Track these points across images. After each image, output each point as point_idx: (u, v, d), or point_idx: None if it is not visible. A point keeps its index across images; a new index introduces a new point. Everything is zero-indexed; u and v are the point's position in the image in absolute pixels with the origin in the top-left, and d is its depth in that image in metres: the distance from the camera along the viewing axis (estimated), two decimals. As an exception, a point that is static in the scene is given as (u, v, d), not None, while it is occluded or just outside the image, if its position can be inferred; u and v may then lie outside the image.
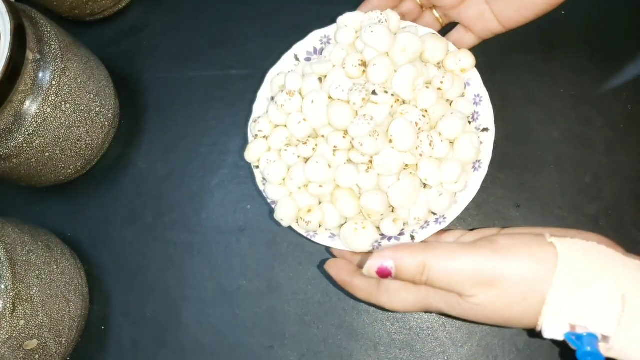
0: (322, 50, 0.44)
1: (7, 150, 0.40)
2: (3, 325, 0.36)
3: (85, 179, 0.49)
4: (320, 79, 0.40)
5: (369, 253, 0.38)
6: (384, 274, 0.34)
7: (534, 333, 0.33)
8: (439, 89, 0.40)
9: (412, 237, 0.39)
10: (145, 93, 0.51)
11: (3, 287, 0.36)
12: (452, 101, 0.41)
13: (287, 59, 0.44)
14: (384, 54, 0.39)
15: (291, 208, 0.39)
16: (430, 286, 0.34)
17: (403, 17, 0.43)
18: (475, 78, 0.41)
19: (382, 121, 0.38)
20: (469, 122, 0.41)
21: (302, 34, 0.44)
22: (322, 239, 0.40)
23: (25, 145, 0.41)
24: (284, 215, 0.39)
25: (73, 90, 0.43)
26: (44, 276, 0.40)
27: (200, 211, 0.47)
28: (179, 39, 0.52)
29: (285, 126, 0.40)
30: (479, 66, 0.41)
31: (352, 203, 0.39)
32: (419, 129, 0.38)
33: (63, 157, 0.44)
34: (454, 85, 0.40)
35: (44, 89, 0.40)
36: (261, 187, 0.42)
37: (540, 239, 0.33)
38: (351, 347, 0.42)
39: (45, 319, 0.39)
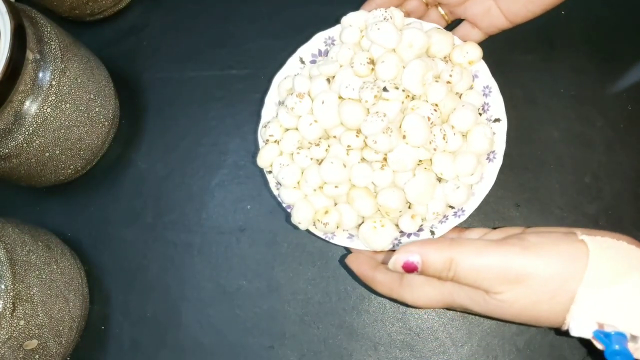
0: (327, 51, 0.44)
1: (7, 150, 0.40)
2: (3, 325, 0.36)
3: (85, 179, 0.49)
4: (328, 80, 0.40)
5: (391, 252, 0.38)
6: (409, 268, 0.33)
7: (559, 331, 0.32)
8: (448, 82, 0.40)
9: (432, 232, 0.39)
10: (145, 93, 0.51)
11: (3, 287, 0.36)
12: (461, 94, 0.41)
13: (292, 62, 0.44)
14: (391, 51, 0.39)
15: (307, 211, 0.39)
16: (456, 282, 0.34)
17: (408, 15, 0.43)
18: (483, 70, 0.41)
19: (394, 117, 0.38)
20: (480, 114, 0.41)
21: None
22: (340, 240, 0.40)
23: (25, 145, 0.41)
24: (301, 219, 0.39)
25: (73, 90, 0.43)
26: (44, 276, 0.40)
27: (200, 211, 0.47)
28: (179, 39, 0.52)
29: (296, 129, 0.40)
30: (479, 65, 0.41)
31: (369, 202, 0.39)
32: (432, 123, 0.38)
33: (63, 157, 0.44)
34: (463, 77, 0.40)
35: (44, 89, 0.40)
36: (275, 192, 0.41)
37: (570, 236, 0.32)
38: (351, 347, 0.42)
39: (45, 319, 0.39)
